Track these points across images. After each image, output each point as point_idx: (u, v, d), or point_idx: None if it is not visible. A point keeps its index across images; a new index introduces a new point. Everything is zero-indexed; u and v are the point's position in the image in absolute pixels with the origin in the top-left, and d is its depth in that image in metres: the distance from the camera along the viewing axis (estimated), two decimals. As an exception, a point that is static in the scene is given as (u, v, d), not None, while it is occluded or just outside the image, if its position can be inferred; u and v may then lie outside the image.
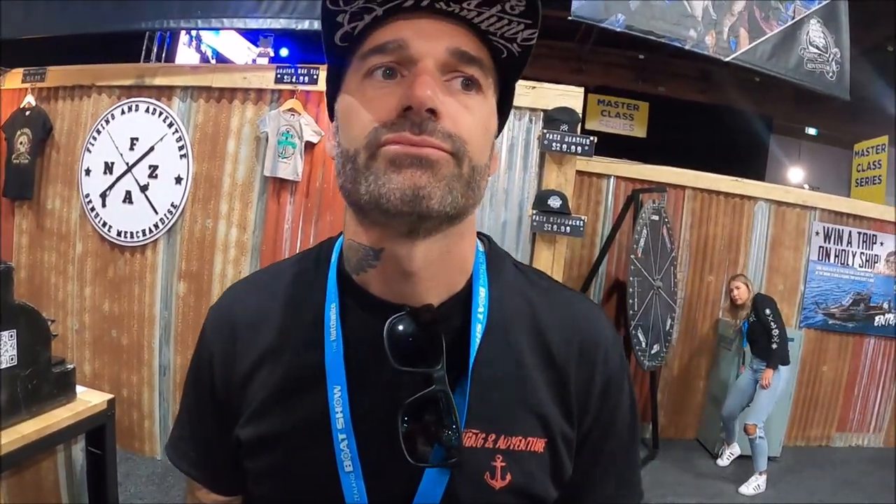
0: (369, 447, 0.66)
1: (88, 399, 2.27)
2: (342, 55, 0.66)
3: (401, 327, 0.65)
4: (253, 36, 6.46)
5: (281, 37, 6.44)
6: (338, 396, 0.67)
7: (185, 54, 5.61)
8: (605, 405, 0.74)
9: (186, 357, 3.79)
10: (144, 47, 4.70)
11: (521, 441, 0.69)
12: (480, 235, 0.79)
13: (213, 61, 6.16)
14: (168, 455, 0.86)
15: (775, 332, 4.37)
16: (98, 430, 2.33)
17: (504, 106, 0.72)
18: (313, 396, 0.68)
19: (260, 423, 0.72)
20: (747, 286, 4.60)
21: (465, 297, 0.71)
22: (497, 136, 0.73)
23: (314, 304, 0.72)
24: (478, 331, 0.68)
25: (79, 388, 2.28)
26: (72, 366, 2.22)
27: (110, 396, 2.35)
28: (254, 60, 6.52)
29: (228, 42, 6.43)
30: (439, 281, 0.69)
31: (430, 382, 0.64)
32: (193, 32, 5.57)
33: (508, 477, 0.67)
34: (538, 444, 0.69)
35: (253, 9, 3.71)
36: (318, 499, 0.68)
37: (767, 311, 4.42)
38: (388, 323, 0.64)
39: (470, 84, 0.63)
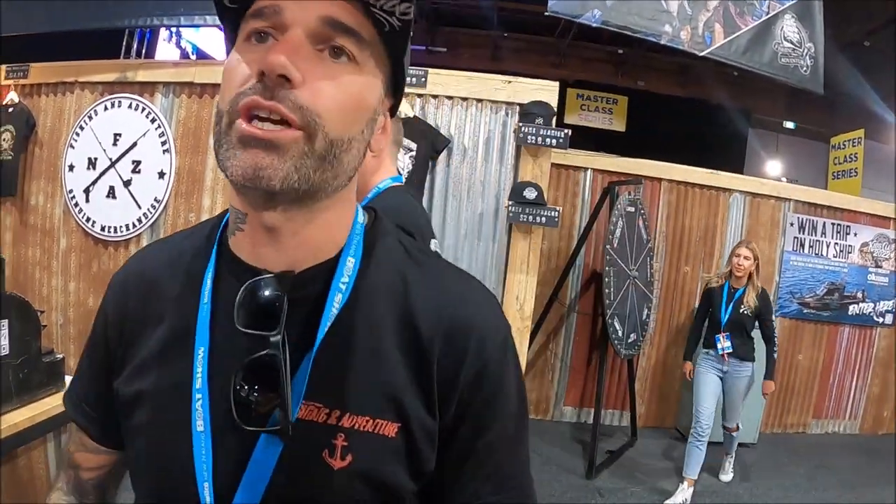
0: (219, 409, 0.65)
1: None
2: (233, 17, 0.65)
3: (256, 291, 0.64)
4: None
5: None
6: (201, 357, 0.67)
7: (165, 50, 5.62)
8: (477, 398, 0.68)
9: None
10: (124, 43, 4.72)
11: (368, 422, 0.65)
12: (368, 209, 0.78)
13: (193, 57, 6.17)
14: (64, 404, 0.87)
15: (776, 339, 4.16)
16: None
17: (396, 83, 0.72)
18: (182, 357, 0.68)
19: (134, 380, 0.73)
20: (754, 257, 4.09)
21: (331, 267, 0.68)
22: (393, 115, 0.77)
23: (198, 270, 0.72)
24: (336, 301, 0.66)
25: (67, 378, 2.32)
26: (61, 356, 2.27)
27: None
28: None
29: (208, 38, 6.43)
30: (305, 249, 0.67)
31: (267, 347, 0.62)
32: (173, 28, 5.58)
33: (349, 458, 0.64)
34: (389, 429, 0.65)
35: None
36: (174, 457, 0.67)
37: (772, 317, 4.17)
38: (244, 286, 0.64)
39: (340, 53, 0.61)
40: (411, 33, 0.66)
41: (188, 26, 5.11)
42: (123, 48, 4.83)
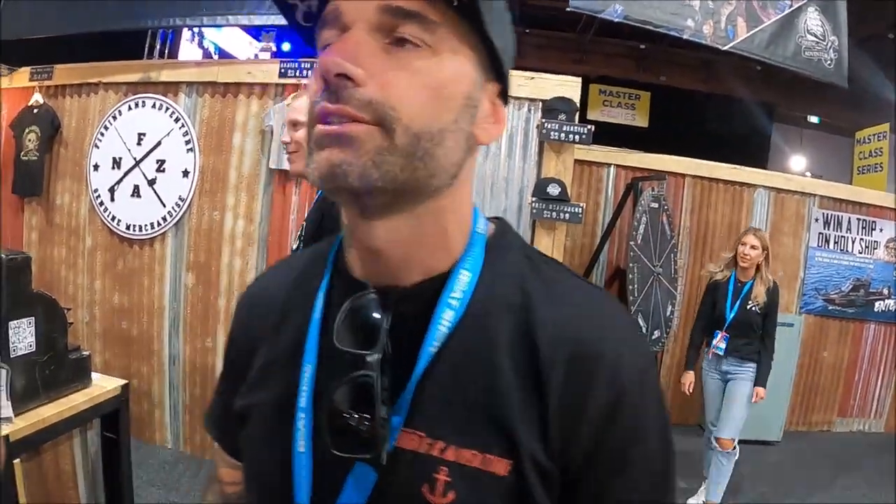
0: (321, 429, 0.61)
1: (103, 385, 2.35)
2: (314, 36, 0.62)
3: (355, 308, 0.60)
4: (255, 31, 6.51)
5: (283, 32, 6.47)
6: (307, 375, 0.64)
7: (188, 50, 5.67)
8: (610, 436, 0.58)
9: (195, 347, 3.88)
10: (147, 44, 4.77)
11: (475, 456, 0.57)
12: (494, 219, 0.71)
13: (216, 57, 6.21)
14: (204, 418, 0.89)
15: (774, 342, 3.77)
16: (112, 415, 2.40)
17: (497, 64, 0.63)
18: (291, 373, 0.66)
19: (247, 395, 0.72)
20: (762, 246, 3.76)
21: (443, 281, 0.62)
22: (505, 102, 0.66)
23: (313, 285, 0.70)
24: (446, 318, 0.60)
25: (94, 375, 2.35)
26: (87, 352, 2.30)
27: (124, 382, 2.43)
28: (256, 56, 6.57)
29: (231, 38, 6.47)
30: (413, 262, 0.62)
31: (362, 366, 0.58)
32: (196, 29, 5.62)
33: (451, 495, 0.57)
34: (499, 466, 0.57)
35: (257, 5, 3.78)
36: (275, 476, 0.66)
37: (776, 317, 3.79)
38: (347, 302, 0.61)
39: (408, 41, 0.56)
40: (492, 4, 0.59)
41: (210, 26, 5.15)
42: (146, 49, 4.87)
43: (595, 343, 0.59)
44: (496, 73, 0.63)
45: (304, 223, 1.96)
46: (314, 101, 0.57)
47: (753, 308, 3.69)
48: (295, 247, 1.97)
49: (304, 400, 0.64)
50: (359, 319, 0.60)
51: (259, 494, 0.70)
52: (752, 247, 3.73)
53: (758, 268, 3.78)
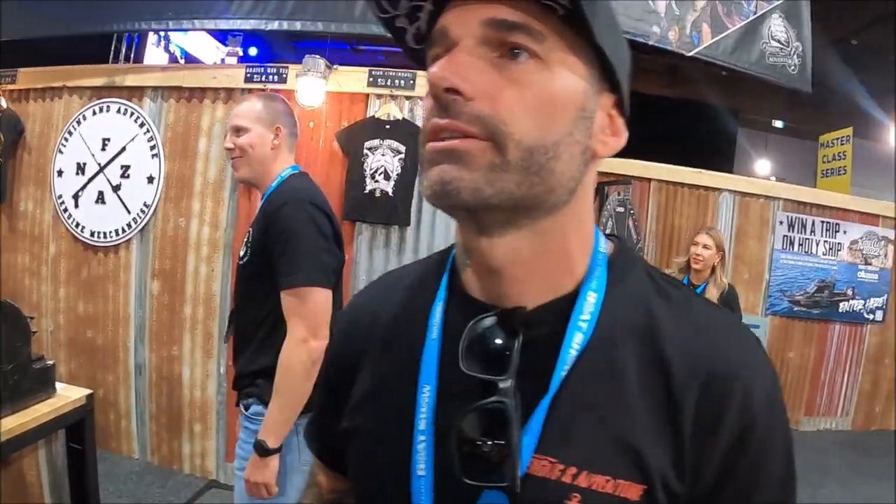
0: (442, 454, 0.60)
1: (68, 394, 2.31)
2: (424, 57, 0.63)
3: (482, 331, 0.59)
4: (222, 35, 6.45)
5: (250, 36, 6.43)
6: (426, 396, 0.63)
7: (154, 54, 5.60)
8: (742, 460, 0.57)
9: (161, 355, 3.84)
10: (113, 48, 4.70)
11: (608, 482, 0.55)
12: (611, 236, 0.70)
13: (182, 61, 6.15)
14: (304, 434, 0.90)
15: None
16: (78, 426, 2.37)
17: (606, 71, 0.60)
18: (406, 393, 0.65)
19: (355, 414, 0.72)
20: (717, 246, 3.63)
21: (569, 302, 0.61)
22: (624, 112, 0.64)
23: (425, 303, 0.69)
24: (575, 341, 0.59)
25: (58, 385, 2.31)
26: (51, 362, 2.26)
27: (89, 392, 2.39)
28: (223, 60, 6.52)
29: (197, 42, 6.40)
30: (536, 282, 0.61)
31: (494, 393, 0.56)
32: (162, 33, 5.57)
33: None
34: (631, 491, 0.55)
35: (224, 9, 3.74)
36: (391, 498, 0.64)
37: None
38: (470, 324, 0.59)
39: (518, 54, 0.55)
40: (599, 12, 0.56)
41: (176, 30, 5.11)
42: (112, 53, 4.80)
43: (727, 366, 0.58)
44: (610, 83, 0.62)
45: (250, 230, 1.96)
46: (426, 119, 0.57)
47: None
48: (242, 253, 1.97)
49: (423, 422, 0.62)
50: (486, 343, 0.59)
51: None
52: (705, 246, 3.59)
53: (713, 270, 3.64)
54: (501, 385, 0.56)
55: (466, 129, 0.54)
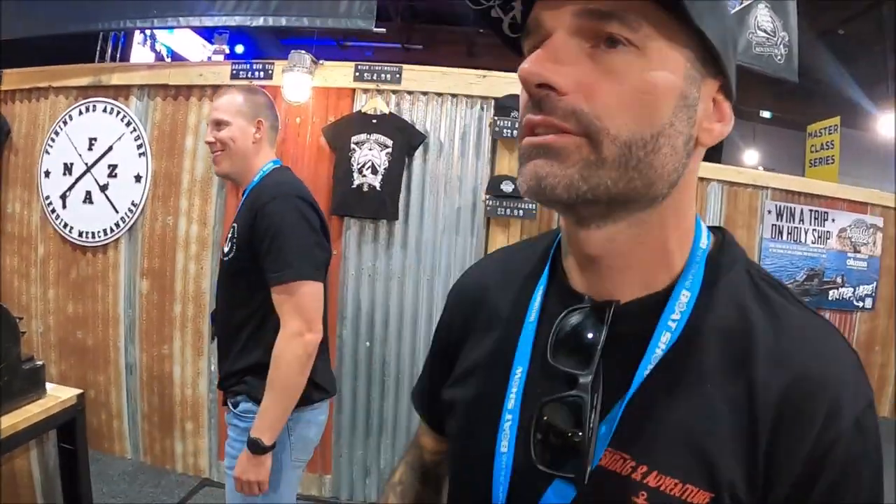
0: (524, 435, 0.62)
1: (58, 395, 2.30)
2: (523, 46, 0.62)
3: (571, 323, 0.61)
4: (208, 33, 6.43)
5: (236, 33, 6.41)
6: (518, 377, 0.64)
7: (140, 53, 5.58)
8: (822, 479, 0.54)
9: (152, 355, 3.83)
10: (99, 47, 4.68)
11: (676, 485, 0.55)
12: (715, 229, 0.69)
13: (168, 59, 6.13)
14: (411, 395, 0.94)
15: None
16: (69, 426, 2.36)
17: (710, 55, 0.58)
18: (501, 372, 0.67)
19: (455, 387, 0.75)
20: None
21: (662, 299, 0.61)
22: (731, 97, 0.63)
23: (529, 286, 0.71)
24: (663, 340, 0.58)
25: (48, 385, 2.31)
26: (41, 362, 2.25)
27: (79, 391, 2.39)
28: (209, 58, 6.50)
29: (183, 40, 6.38)
30: (632, 275, 0.61)
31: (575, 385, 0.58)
32: (148, 31, 5.55)
33: None
34: (699, 497, 0.55)
35: (208, 6, 3.73)
36: (474, 469, 0.67)
37: None
38: (561, 316, 0.61)
39: (614, 43, 0.54)
40: None
41: (161, 28, 5.09)
42: (98, 52, 4.78)
43: (815, 381, 0.56)
44: (715, 67, 0.60)
45: (235, 224, 1.93)
46: (521, 114, 0.58)
47: None
48: (227, 249, 1.95)
49: (511, 402, 0.64)
50: (574, 336, 0.60)
51: (460, 488, 0.73)
52: None
53: None
54: (581, 380, 0.57)
55: (561, 125, 0.54)
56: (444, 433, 0.81)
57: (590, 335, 0.59)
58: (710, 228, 0.69)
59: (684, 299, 0.60)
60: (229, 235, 1.94)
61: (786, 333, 0.58)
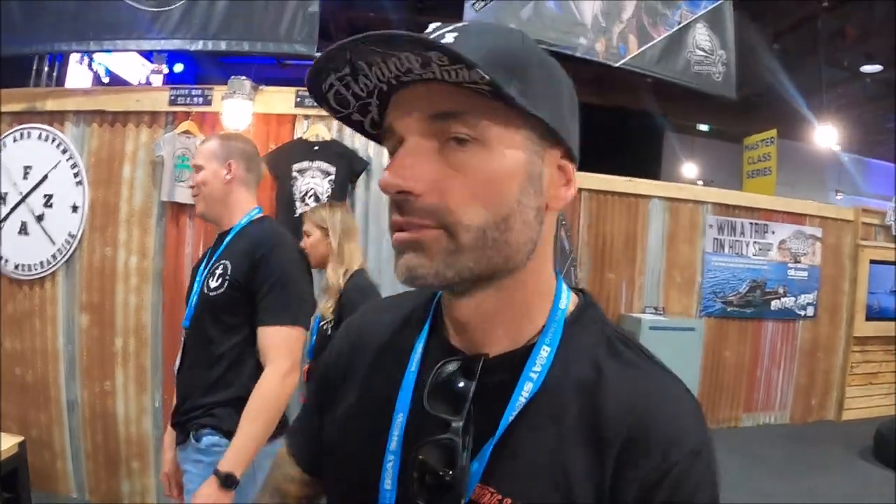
0: (406, 475, 0.67)
1: None
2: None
3: (447, 371, 0.66)
4: (147, 52, 6.32)
5: (175, 53, 6.30)
6: (399, 422, 0.70)
7: (77, 73, 5.42)
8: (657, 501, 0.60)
9: (94, 391, 3.72)
10: (35, 68, 4.55)
11: None
12: (578, 292, 0.76)
13: (106, 79, 5.99)
14: (286, 430, 0.96)
15: None
16: (11, 476, 2.30)
17: (555, 128, 0.64)
18: (383, 418, 0.71)
19: (335, 426, 0.79)
20: (319, 226, 2.81)
21: (524, 354, 0.67)
22: (574, 161, 0.69)
23: (411, 336, 0.76)
24: (525, 390, 0.65)
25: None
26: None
27: (20, 439, 2.33)
28: (147, 77, 6.38)
29: (121, 60, 6.22)
30: (498, 333, 0.68)
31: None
32: (86, 53, 5.41)
33: None
34: None
35: (147, 29, 3.66)
36: None
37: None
38: (436, 367, 0.66)
39: (463, 140, 0.60)
40: (518, 88, 0.59)
41: (98, 51, 4.97)
42: (34, 73, 4.66)
43: (655, 420, 0.62)
44: (556, 137, 0.65)
45: (225, 262, 1.95)
46: (389, 211, 0.63)
47: (324, 327, 2.77)
48: (214, 285, 1.94)
49: (394, 444, 0.69)
50: (449, 386, 0.65)
51: None
52: (305, 234, 2.83)
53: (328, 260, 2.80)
54: (454, 424, 0.62)
55: (421, 223, 0.60)
56: (314, 473, 0.86)
57: (461, 384, 0.64)
58: (573, 289, 0.75)
59: (545, 354, 0.66)
60: (218, 272, 1.94)
61: (632, 382, 0.65)
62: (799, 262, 6.10)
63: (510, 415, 0.64)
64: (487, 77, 0.55)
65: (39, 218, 3.76)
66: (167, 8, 3.64)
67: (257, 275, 1.89)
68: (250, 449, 1.79)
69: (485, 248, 0.61)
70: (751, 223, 5.85)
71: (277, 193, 3.46)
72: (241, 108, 3.42)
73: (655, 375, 0.68)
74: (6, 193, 3.79)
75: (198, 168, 2.02)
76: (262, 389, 1.83)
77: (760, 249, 5.90)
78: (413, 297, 0.84)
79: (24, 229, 3.77)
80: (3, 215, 3.80)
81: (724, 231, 5.75)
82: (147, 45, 3.83)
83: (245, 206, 2.07)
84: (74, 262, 3.74)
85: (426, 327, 0.76)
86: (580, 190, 5.33)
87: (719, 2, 5.14)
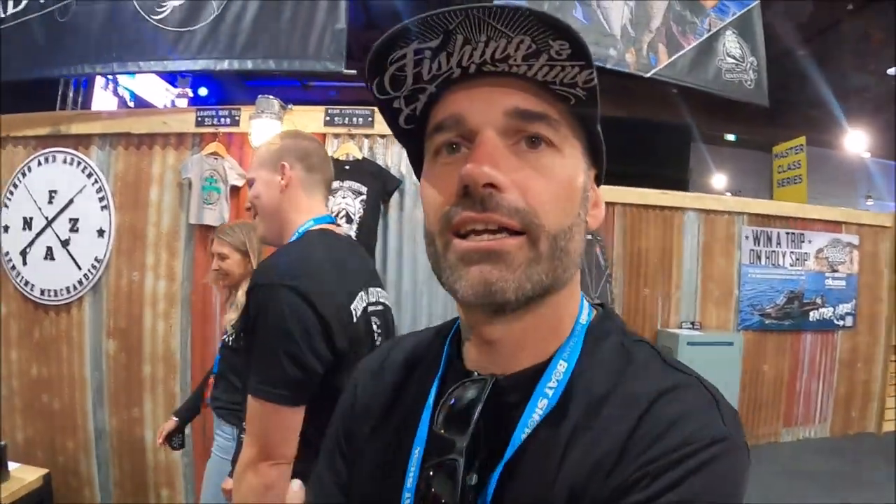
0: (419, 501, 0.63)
1: (23, 476, 2.23)
2: (415, 137, 0.66)
3: (456, 393, 0.62)
4: (171, 77, 6.30)
5: (199, 76, 6.28)
6: (416, 457, 0.67)
7: (103, 98, 5.42)
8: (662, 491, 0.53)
9: (122, 418, 3.67)
10: (60, 92, 4.55)
11: None
12: (598, 305, 0.73)
13: (131, 104, 5.99)
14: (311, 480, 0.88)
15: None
16: (36, 508, 2.25)
17: (597, 153, 0.67)
18: (402, 455, 0.68)
19: (353, 466, 0.77)
20: (239, 249, 2.61)
21: (542, 369, 0.64)
22: (599, 184, 0.70)
23: (428, 375, 0.73)
24: (540, 406, 0.61)
25: (12, 465, 2.21)
26: (3, 443, 2.14)
27: (45, 471, 2.29)
28: (172, 101, 6.37)
29: (146, 84, 6.23)
30: (525, 352, 0.64)
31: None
32: (109, 76, 5.41)
33: None
34: None
35: (171, 50, 3.62)
36: None
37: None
38: (450, 390, 0.63)
39: (538, 142, 0.59)
40: (598, 99, 0.61)
41: (122, 73, 4.95)
42: (59, 98, 4.65)
43: (664, 425, 0.56)
44: (594, 158, 0.67)
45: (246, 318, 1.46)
46: (444, 210, 0.59)
47: (227, 339, 2.55)
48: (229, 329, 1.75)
49: (410, 480, 0.66)
50: (457, 407, 0.61)
51: None
52: (220, 256, 2.61)
53: (238, 285, 2.59)
54: (458, 444, 0.58)
55: (507, 221, 0.57)
56: None
57: (469, 405, 0.61)
58: (592, 304, 0.72)
59: (561, 369, 0.63)
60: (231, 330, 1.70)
61: (642, 388, 0.60)
62: (836, 271, 5.94)
63: (521, 433, 0.61)
64: (596, 81, 0.58)
65: (65, 243, 3.73)
66: (191, 28, 3.59)
67: (245, 324, 1.46)
68: None
69: (554, 258, 0.59)
70: (786, 233, 5.71)
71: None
72: (269, 127, 3.36)
73: (675, 381, 0.61)
74: (31, 218, 3.78)
75: (250, 182, 1.65)
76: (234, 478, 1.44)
77: (797, 259, 5.76)
78: (429, 335, 0.81)
79: (49, 254, 3.75)
80: (28, 241, 3.77)
81: (760, 242, 5.61)
82: (171, 65, 3.79)
83: (304, 217, 1.61)
84: (101, 288, 3.70)
85: (443, 362, 0.72)
86: (613, 204, 5.25)
87: (748, 7, 5.03)
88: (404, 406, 0.74)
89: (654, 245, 5.34)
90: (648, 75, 4.54)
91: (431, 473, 0.60)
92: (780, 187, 6.82)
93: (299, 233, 1.58)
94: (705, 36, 4.80)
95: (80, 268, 3.70)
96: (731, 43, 4.93)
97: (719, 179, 10.73)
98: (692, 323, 5.32)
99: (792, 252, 5.74)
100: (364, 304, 1.55)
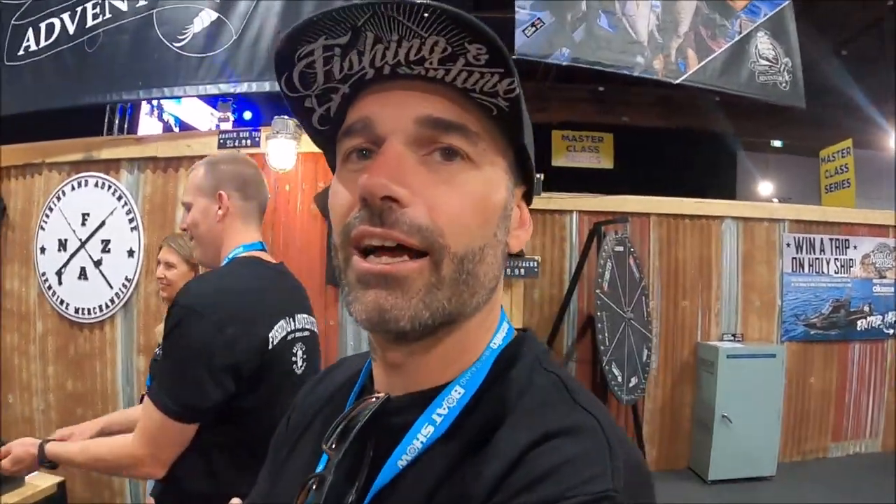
0: None
1: (37, 483, 2.24)
2: (329, 138, 0.62)
3: (355, 412, 0.60)
4: (214, 101, 6.40)
5: (243, 100, 6.38)
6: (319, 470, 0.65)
7: (148, 124, 5.57)
8: None
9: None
10: (106, 119, 4.68)
11: None
12: (521, 330, 0.67)
13: (177, 129, 6.13)
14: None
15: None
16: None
17: (524, 166, 0.62)
18: (312, 469, 0.66)
19: (268, 488, 0.76)
20: (184, 260, 2.59)
21: (436, 393, 0.60)
22: (529, 202, 0.66)
23: (347, 393, 0.71)
24: (424, 432, 0.57)
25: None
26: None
27: (60, 479, 2.33)
28: (217, 125, 6.50)
29: (190, 109, 6.37)
30: (429, 376, 0.60)
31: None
32: (155, 102, 5.55)
33: None
34: None
35: (192, 74, 3.68)
36: None
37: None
38: (349, 407, 0.61)
39: (453, 155, 0.54)
40: (524, 109, 0.57)
41: (165, 98, 5.08)
42: (105, 125, 4.79)
43: (543, 468, 0.49)
44: (522, 175, 0.63)
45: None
46: (345, 222, 0.55)
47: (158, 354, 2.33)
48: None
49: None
50: (350, 424, 0.59)
51: None
52: (168, 264, 2.60)
53: None
54: (331, 461, 0.58)
55: (406, 239, 0.52)
56: None
57: (354, 423, 0.59)
58: (516, 329, 0.67)
59: (456, 395, 0.59)
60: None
61: (533, 426, 0.53)
62: (884, 277, 5.69)
63: (397, 458, 0.57)
64: (518, 91, 0.53)
65: (98, 263, 3.83)
66: (211, 53, 3.65)
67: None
68: (78, 462, 1.52)
69: (459, 283, 0.54)
70: (830, 239, 5.49)
71: (330, 234, 3.40)
72: (285, 147, 3.38)
73: (569, 422, 0.54)
74: (66, 240, 3.89)
75: (186, 206, 1.62)
76: (117, 447, 1.46)
77: (842, 266, 5.54)
78: (360, 358, 0.77)
79: (83, 274, 3.86)
80: (63, 261, 3.88)
81: (803, 249, 5.42)
82: (192, 90, 3.85)
83: (235, 243, 1.60)
84: (131, 306, 3.78)
85: (359, 383, 0.70)
86: (648, 215, 5.17)
87: (779, 7, 4.87)
88: (325, 422, 0.69)
89: (692, 255, 5.23)
90: (678, 81, 4.43)
91: (315, 487, 0.59)
92: (827, 192, 6.58)
93: (228, 259, 1.59)
94: (736, 38, 4.67)
95: (111, 287, 3.79)
96: (763, 44, 4.77)
97: (767, 187, 10.45)
98: (733, 335, 5.16)
99: (836, 259, 5.52)
100: (284, 333, 1.55)
